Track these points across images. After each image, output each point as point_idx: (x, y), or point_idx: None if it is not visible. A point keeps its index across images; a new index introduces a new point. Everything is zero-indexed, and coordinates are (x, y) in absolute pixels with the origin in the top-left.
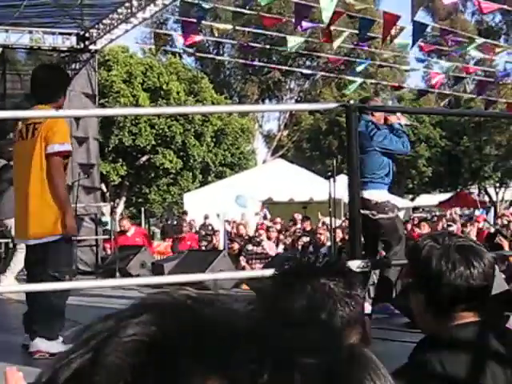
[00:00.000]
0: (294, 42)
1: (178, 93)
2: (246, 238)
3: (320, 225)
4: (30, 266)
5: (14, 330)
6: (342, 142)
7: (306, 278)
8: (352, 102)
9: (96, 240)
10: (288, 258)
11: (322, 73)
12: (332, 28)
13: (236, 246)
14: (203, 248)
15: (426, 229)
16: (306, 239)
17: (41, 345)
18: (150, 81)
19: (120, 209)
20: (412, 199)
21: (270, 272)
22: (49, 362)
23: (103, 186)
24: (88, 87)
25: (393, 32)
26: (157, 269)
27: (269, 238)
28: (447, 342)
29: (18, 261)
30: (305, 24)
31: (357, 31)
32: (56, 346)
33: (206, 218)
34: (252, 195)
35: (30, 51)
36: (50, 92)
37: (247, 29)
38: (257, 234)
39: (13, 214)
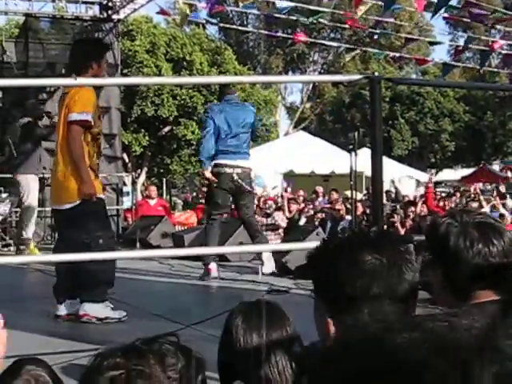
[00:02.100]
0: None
1: (201, 64)
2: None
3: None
4: (59, 231)
5: (44, 300)
6: (365, 115)
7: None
8: (376, 74)
9: (117, 210)
10: (343, 230)
11: (347, 45)
12: None
13: (257, 218)
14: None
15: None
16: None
17: (88, 308)
18: (174, 51)
19: (142, 179)
20: (434, 174)
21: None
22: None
23: (125, 157)
24: (111, 57)
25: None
26: (177, 240)
27: (290, 210)
28: None
29: (30, 223)
30: None
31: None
32: (103, 311)
33: None
34: (274, 167)
35: (52, 20)
36: (79, 63)
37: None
38: (267, 206)
39: (26, 170)
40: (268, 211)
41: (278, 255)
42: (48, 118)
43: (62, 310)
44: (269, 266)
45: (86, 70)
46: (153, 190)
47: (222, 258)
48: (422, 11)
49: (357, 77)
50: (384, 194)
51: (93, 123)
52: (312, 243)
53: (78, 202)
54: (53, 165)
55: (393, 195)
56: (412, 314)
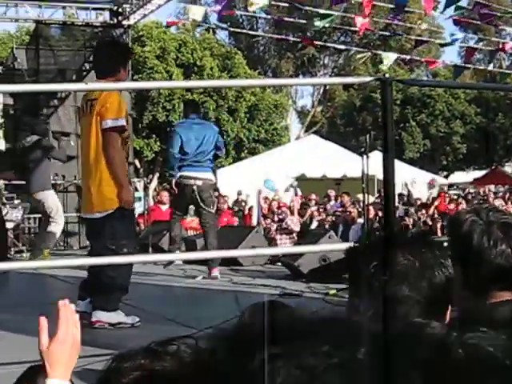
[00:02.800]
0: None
1: (211, 69)
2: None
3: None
4: (90, 239)
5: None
6: (376, 118)
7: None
8: (387, 75)
9: None
10: (375, 229)
11: (357, 48)
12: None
13: (269, 221)
14: (236, 224)
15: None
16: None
17: (101, 316)
18: (184, 56)
19: (153, 184)
20: (446, 176)
21: (302, 248)
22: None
23: (137, 162)
24: None
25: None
26: (189, 244)
27: (301, 215)
28: (482, 319)
29: (52, 234)
30: None
31: (391, 5)
32: (116, 317)
33: (239, 194)
34: (285, 171)
35: (63, 27)
36: (106, 66)
37: (282, 3)
38: (280, 212)
39: (46, 187)
40: (281, 216)
41: (290, 259)
42: (54, 138)
43: (80, 307)
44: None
45: (114, 74)
46: (164, 195)
47: (234, 263)
48: (430, 13)
49: (368, 78)
50: (396, 197)
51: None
52: (323, 246)
53: (111, 210)
54: (83, 173)
55: (405, 198)
56: (441, 318)
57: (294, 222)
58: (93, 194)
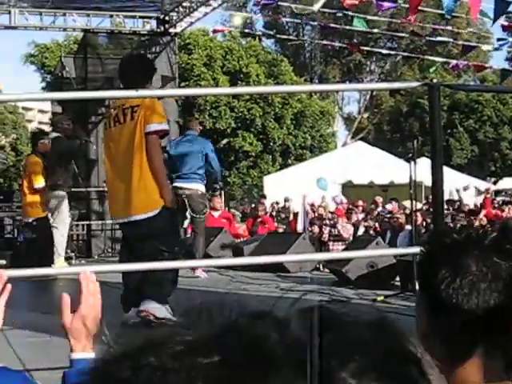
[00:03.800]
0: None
1: (257, 76)
2: (326, 220)
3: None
4: (134, 242)
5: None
6: (424, 124)
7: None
8: (435, 81)
9: None
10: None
11: (403, 53)
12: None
13: (316, 228)
14: (281, 231)
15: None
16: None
17: (150, 306)
18: (230, 64)
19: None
20: (495, 182)
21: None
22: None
23: None
24: (168, 70)
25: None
26: (237, 251)
27: (349, 221)
28: None
29: (59, 241)
30: (386, 4)
31: (441, 11)
32: (163, 311)
33: (286, 200)
34: (332, 178)
35: (110, 35)
36: (137, 80)
37: (327, 10)
38: (330, 217)
39: (52, 185)
40: (332, 222)
41: (338, 265)
42: (76, 137)
43: (131, 318)
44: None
45: (144, 86)
46: (218, 201)
47: (281, 269)
48: (475, 20)
49: (415, 84)
50: (446, 203)
51: None
52: (370, 252)
53: (154, 212)
54: (119, 178)
55: (456, 204)
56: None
57: (346, 228)
58: (137, 196)
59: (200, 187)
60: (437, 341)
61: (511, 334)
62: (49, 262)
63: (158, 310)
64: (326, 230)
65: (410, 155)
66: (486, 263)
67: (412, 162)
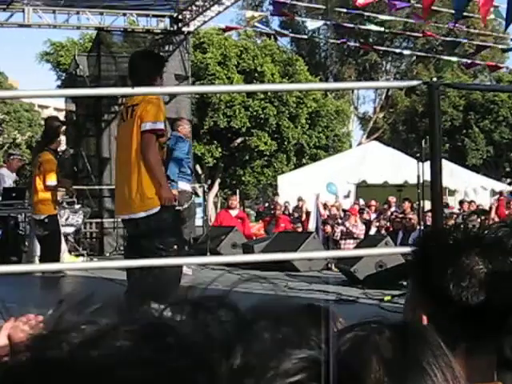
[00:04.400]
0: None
1: (272, 75)
2: (339, 219)
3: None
4: (133, 240)
5: None
6: (438, 124)
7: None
8: (435, 79)
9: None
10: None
11: (418, 53)
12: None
13: (329, 228)
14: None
15: None
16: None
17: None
18: (245, 63)
19: (214, 190)
20: (510, 183)
21: (351, 252)
22: None
23: (198, 168)
24: (181, 69)
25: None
26: (247, 250)
27: (361, 221)
28: None
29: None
30: (398, 3)
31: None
32: None
33: (300, 200)
34: (346, 178)
35: (124, 33)
36: (145, 79)
37: (341, 9)
38: (343, 215)
39: None
40: (344, 221)
41: (346, 264)
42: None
43: None
44: None
45: (152, 84)
46: (235, 199)
47: (291, 268)
48: (484, 23)
49: (415, 82)
50: (458, 204)
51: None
52: (376, 250)
53: (152, 211)
54: (122, 176)
55: (471, 204)
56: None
57: (357, 227)
58: (134, 194)
59: (184, 186)
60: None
61: (506, 331)
62: (58, 259)
63: None
64: (338, 229)
65: (418, 154)
66: (491, 261)
67: (419, 162)
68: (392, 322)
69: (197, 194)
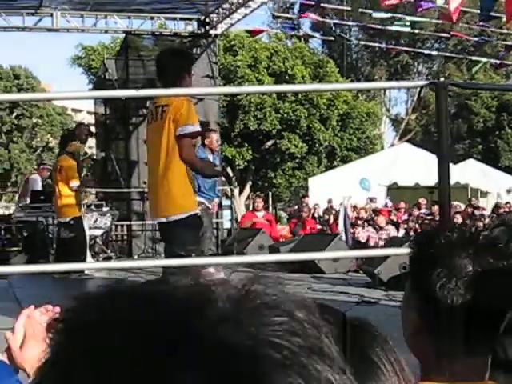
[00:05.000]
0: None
1: (302, 77)
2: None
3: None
4: (167, 243)
5: None
6: (471, 125)
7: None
8: (442, 79)
9: (217, 223)
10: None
11: (447, 53)
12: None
13: (357, 230)
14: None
15: None
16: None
17: None
18: (275, 65)
19: (246, 193)
20: None
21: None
22: None
23: (229, 171)
24: (209, 72)
25: None
26: (273, 252)
27: (390, 223)
28: None
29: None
30: (424, 4)
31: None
32: None
33: (330, 202)
34: (377, 180)
35: (151, 37)
36: (174, 76)
37: (368, 11)
38: (369, 218)
39: None
40: (372, 222)
41: (371, 266)
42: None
43: None
44: None
45: (181, 83)
46: (260, 201)
47: (317, 270)
48: (508, 22)
49: (422, 82)
50: (493, 208)
51: None
52: (397, 250)
53: (179, 216)
54: (153, 178)
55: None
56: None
57: (385, 229)
58: (164, 198)
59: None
60: (426, 340)
61: (499, 333)
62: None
63: None
64: (367, 232)
65: (457, 157)
66: (481, 263)
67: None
68: (338, 318)
69: (227, 196)
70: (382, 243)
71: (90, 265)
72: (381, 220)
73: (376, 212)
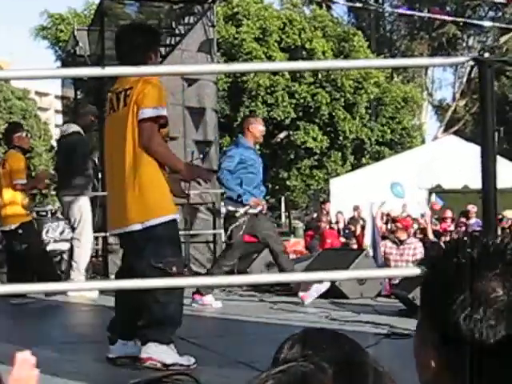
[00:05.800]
0: None
1: (323, 53)
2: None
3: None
4: (130, 256)
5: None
6: None
7: None
8: (487, 55)
9: (214, 235)
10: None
11: (502, 24)
12: None
13: (388, 244)
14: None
15: None
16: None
17: (152, 351)
18: (289, 38)
19: None
20: None
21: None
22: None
23: None
24: (205, 46)
25: None
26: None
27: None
28: None
29: (82, 254)
30: None
31: None
32: (170, 356)
33: (356, 209)
34: (416, 182)
35: (134, 2)
36: (138, 56)
37: None
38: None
39: (71, 190)
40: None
41: (405, 290)
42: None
43: (113, 352)
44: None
45: (146, 62)
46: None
47: (338, 295)
48: None
49: (462, 58)
50: None
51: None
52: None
53: (152, 222)
54: (117, 179)
55: None
56: None
57: (418, 247)
58: (131, 203)
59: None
60: (446, 377)
61: None
62: (53, 277)
63: (165, 354)
64: (389, 249)
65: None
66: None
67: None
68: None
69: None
70: (401, 260)
71: (57, 285)
72: (401, 231)
73: (395, 221)
